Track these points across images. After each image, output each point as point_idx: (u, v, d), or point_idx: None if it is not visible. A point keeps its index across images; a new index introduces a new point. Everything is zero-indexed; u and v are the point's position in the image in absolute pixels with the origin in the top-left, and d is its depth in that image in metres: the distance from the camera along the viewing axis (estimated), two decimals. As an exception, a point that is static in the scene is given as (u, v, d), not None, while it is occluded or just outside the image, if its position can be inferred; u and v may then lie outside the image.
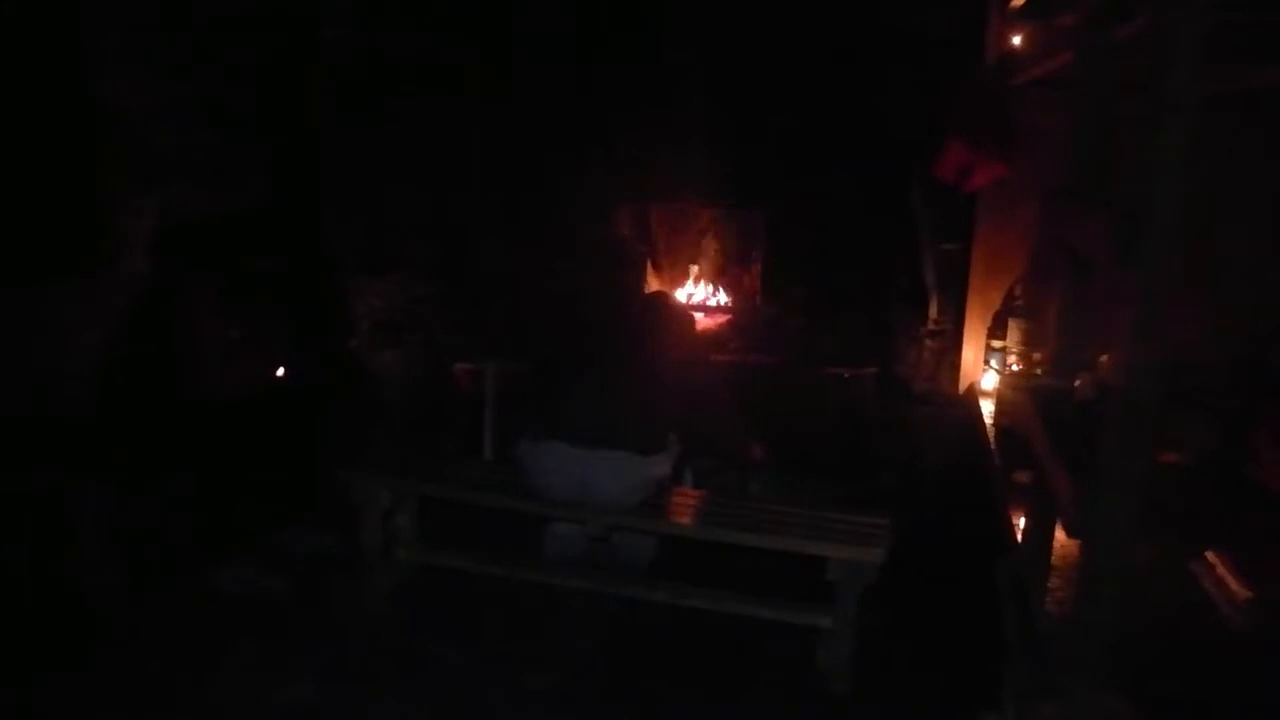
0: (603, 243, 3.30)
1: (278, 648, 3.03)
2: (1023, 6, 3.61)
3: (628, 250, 3.40)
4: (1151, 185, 1.34)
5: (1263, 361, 2.35)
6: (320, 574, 3.45)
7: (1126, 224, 1.40)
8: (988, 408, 3.85)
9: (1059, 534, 2.16)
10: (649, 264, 5.23)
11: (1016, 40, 3.79)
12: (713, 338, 5.15)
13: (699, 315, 5.37)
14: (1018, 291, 3.97)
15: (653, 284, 5.24)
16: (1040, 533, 2.29)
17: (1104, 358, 2.32)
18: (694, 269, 5.47)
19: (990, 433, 3.60)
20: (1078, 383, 2.72)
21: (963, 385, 4.44)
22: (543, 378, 3.28)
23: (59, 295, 3.78)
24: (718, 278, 5.47)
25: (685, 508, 3.20)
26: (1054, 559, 2.25)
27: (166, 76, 4.10)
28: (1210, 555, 2.05)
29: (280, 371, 3.87)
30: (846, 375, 4.57)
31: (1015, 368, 3.86)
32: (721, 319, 5.35)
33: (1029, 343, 3.80)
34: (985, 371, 4.15)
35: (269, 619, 3.20)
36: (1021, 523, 2.64)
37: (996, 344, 4.04)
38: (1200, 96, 1.27)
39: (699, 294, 5.47)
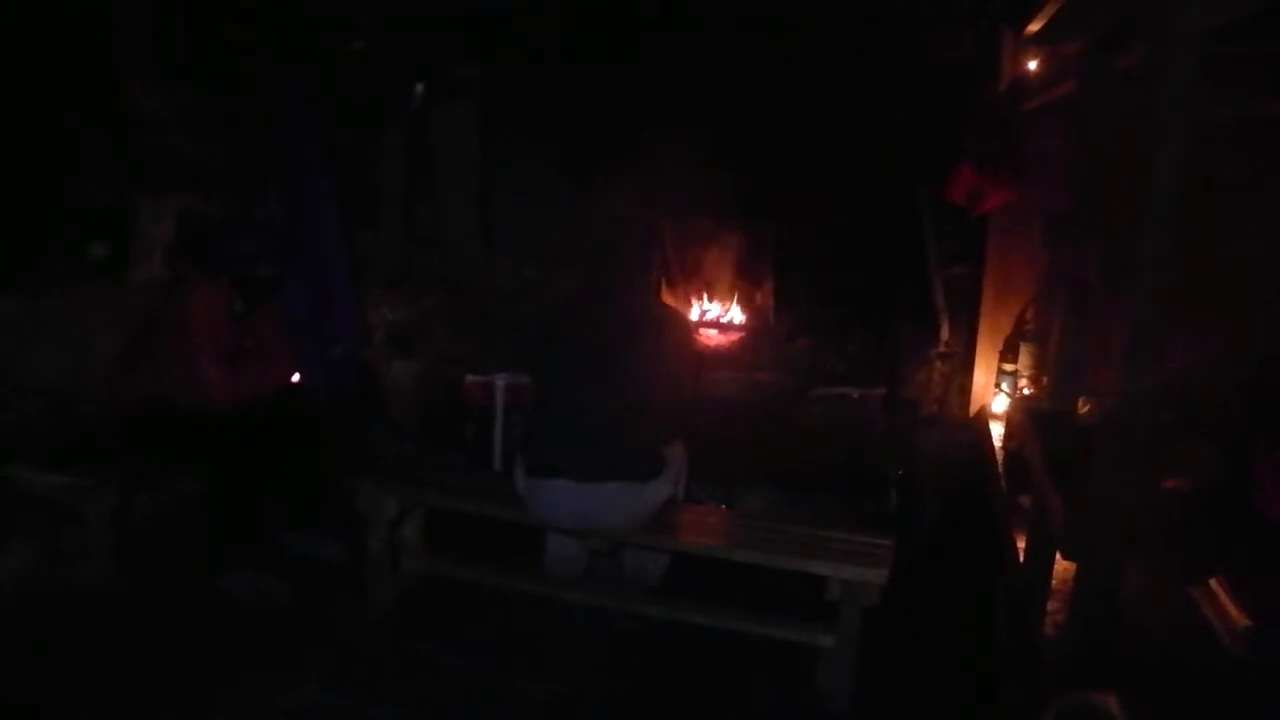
0: (611, 250, 3.25)
1: (282, 653, 3.06)
2: (1038, 32, 3.62)
3: (639, 256, 3.35)
4: (1141, 211, 1.36)
5: (1262, 389, 2.34)
6: (325, 581, 3.49)
7: (1117, 249, 1.41)
8: (998, 431, 3.84)
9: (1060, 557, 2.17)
10: (662, 279, 5.26)
11: (1032, 65, 3.79)
12: (725, 355, 5.16)
13: (713, 332, 5.38)
14: (1028, 315, 3.96)
15: (666, 299, 5.25)
16: (1040, 555, 2.30)
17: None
18: (707, 285, 5.49)
19: (999, 456, 3.59)
20: (1085, 408, 2.72)
21: (974, 408, 4.43)
22: (538, 390, 3.27)
23: (76, 299, 3.86)
24: (731, 295, 5.48)
25: (690, 525, 3.21)
26: (1055, 582, 2.25)
27: (186, 86, 4.19)
28: (1213, 582, 2.05)
29: (296, 378, 3.91)
30: (855, 395, 4.57)
31: (1026, 391, 3.85)
32: (735, 336, 5.36)
33: (1040, 367, 3.79)
34: (996, 395, 4.13)
35: (273, 624, 3.23)
36: (1023, 545, 2.64)
37: (1008, 367, 4.03)
38: (1187, 125, 1.29)
39: (713, 310, 5.49)
